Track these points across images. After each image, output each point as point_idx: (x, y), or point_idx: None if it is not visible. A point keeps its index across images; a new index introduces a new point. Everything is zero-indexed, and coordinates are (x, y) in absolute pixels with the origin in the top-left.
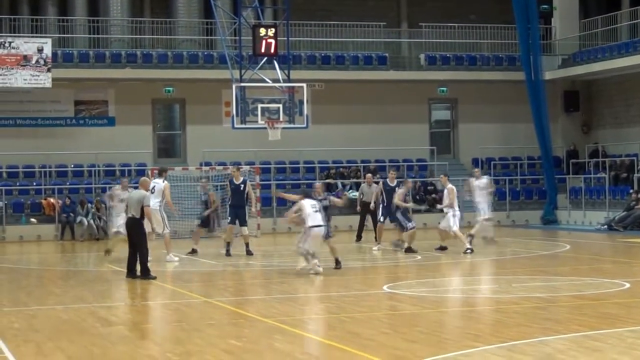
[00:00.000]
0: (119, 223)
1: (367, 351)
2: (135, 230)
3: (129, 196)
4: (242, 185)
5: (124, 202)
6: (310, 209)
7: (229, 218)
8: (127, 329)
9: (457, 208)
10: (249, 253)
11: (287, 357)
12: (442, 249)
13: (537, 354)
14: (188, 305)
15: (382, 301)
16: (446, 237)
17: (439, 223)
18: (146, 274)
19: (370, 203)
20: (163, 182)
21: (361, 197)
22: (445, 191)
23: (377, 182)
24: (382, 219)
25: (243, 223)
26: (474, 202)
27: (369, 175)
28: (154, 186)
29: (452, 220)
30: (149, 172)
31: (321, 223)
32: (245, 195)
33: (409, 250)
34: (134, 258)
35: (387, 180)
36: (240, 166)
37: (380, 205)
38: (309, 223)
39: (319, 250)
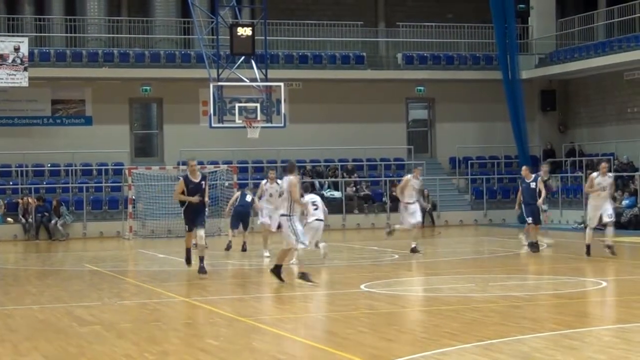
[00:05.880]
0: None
1: (344, 350)
2: None
3: None
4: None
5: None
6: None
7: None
8: (104, 328)
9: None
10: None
11: (264, 356)
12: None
13: (514, 352)
14: (165, 305)
15: (359, 300)
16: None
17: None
18: None
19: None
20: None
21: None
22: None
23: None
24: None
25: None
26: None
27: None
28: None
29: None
30: (126, 172)
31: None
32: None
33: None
34: None
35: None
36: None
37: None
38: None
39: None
